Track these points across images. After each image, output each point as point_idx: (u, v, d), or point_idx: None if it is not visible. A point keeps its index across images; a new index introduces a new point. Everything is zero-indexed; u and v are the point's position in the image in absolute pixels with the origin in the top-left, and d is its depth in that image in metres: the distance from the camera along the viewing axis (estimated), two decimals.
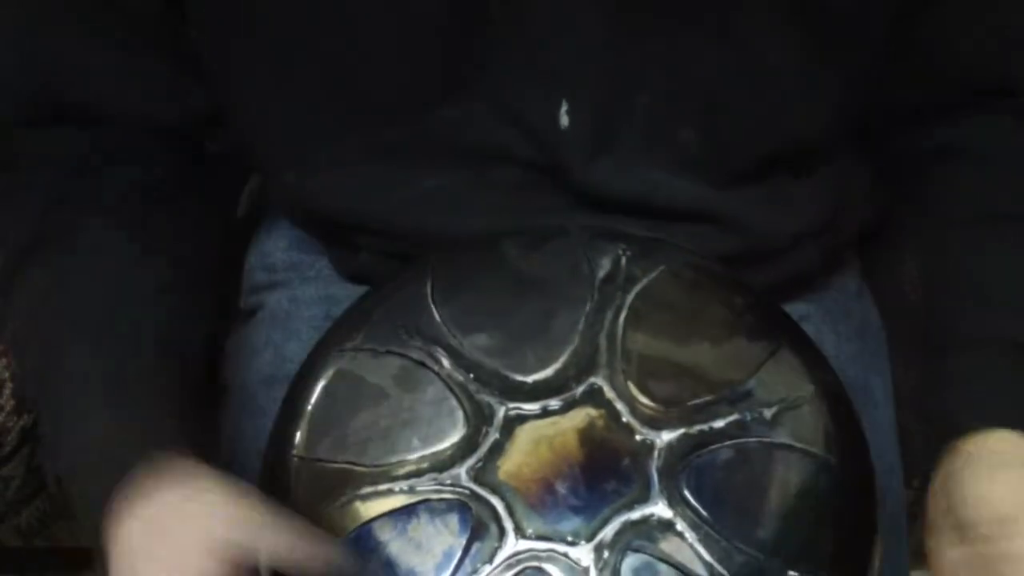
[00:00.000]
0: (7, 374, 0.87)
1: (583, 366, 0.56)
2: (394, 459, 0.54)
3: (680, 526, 0.52)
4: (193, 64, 0.63)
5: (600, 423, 0.54)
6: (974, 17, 0.63)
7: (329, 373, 0.57)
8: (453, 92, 0.61)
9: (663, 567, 0.51)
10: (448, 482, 0.53)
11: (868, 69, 0.63)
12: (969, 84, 0.65)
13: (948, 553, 0.56)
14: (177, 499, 0.50)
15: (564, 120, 0.61)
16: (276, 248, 0.77)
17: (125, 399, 0.56)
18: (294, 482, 0.55)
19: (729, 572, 0.51)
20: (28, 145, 0.65)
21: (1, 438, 0.88)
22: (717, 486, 0.53)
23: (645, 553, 0.51)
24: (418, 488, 0.53)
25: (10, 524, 1.02)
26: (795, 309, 0.67)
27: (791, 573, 0.51)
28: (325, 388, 0.57)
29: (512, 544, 0.51)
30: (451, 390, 0.55)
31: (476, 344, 0.57)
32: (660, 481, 0.53)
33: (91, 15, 0.62)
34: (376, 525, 0.52)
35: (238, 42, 0.61)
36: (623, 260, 0.60)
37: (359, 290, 0.67)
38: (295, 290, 0.75)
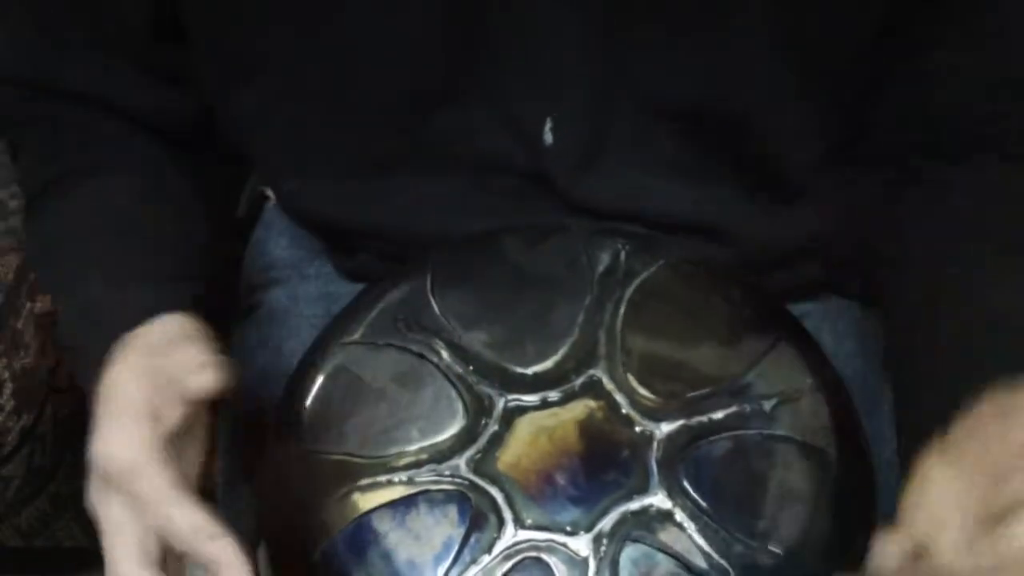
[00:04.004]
0: (7, 374, 0.87)
1: (582, 358, 0.56)
2: (393, 450, 0.54)
3: (679, 516, 0.52)
4: (183, 80, 0.65)
5: (599, 414, 0.55)
6: (965, 62, 0.63)
7: (329, 366, 0.57)
8: (451, 101, 0.62)
9: (662, 557, 0.51)
10: (447, 473, 0.53)
11: (854, 94, 0.63)
12: (959, 130, 0.64)
13: None
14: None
15: (548, 137, 0.62)
16: (276, 246, 0.77)
17: (130, 262, 0.59)
18: (293, 473, 0.55)
19: (727, 562, 0.51)
20: (37, 116, 0.66)
21: (1, 438, 0.88)
22: (716, 477, 0.53)
23: (644, 543, 0.51)
24: (417, 479, 0.53)
25: (10, 524, 1.02)
26: (794, 307, 0.67)
27: (789, 564, 0.51)
28: (325, 380, 0.57)
29: (511, 534, 0.51)
30: (450, 382, 0.56)
31: (476, 337, 0.57)
32: (659, 472, 0.53)
33: (83, 34, 0.63)
34: (375, 516, 0.52)
35: (237, 53, 0.61)
36: (622, 255, 0.60)
37: (359, 288, 0.67)
38: (295, 288, 0.75)
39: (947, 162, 0.63)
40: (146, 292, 0.57)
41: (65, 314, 0.61)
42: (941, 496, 0.48)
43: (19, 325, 0.90)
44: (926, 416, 0.60)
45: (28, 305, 0.91)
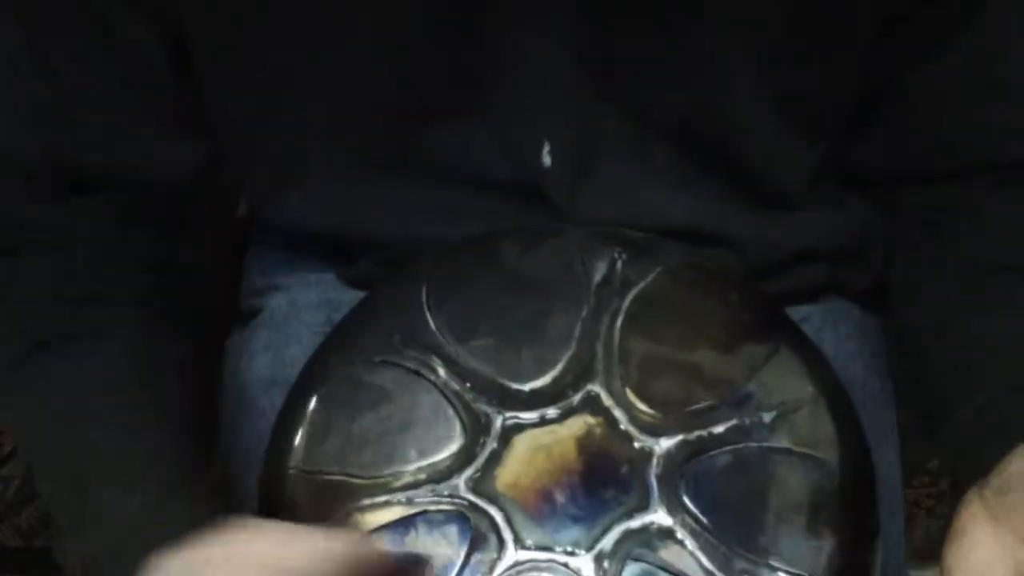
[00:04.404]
0: None
1: (580, 373, 0.56)
2: (391, 471, 0.53)
3: (680, 534, 0.52)
4: (191, 121, 0.63)
5: (598, 431, 0.54)
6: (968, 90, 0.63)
7: (326, 385, 0.57)
8: (446, 117, 0.61)
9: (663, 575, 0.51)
10: (446, 493, 0.53)
11: (842, 110, 0.63)
12: (972, 155, 0.64)
13: None
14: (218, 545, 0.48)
15: (547, 160, 0.62)
16: (276, 251, 0.77)
17: (154, 480, 0.55)
18: (292, 495, 0.54)
19: None
20: (35, 224, 0.63)
21: (1, 438, 0.88)
22: (716, 492, 0.53)
23: (645, 562, 0.51)
24: (416, 500, 0.53)
25: (10, 524, 1.02)
26: (796, 310, 0.67)
27: None
28: (322, 400, 0.56)
29: (512, 555, 0.51)
30: (448, 400, 0.55)
31: (472, 352, 0.56)
32: (659, 488, 0.53)
33: (92, 76, 0.61)
34: (374, 538, 0.52)
35: (232, 62, 0.61)
36: (619, 263, 0.59)
37: (359, 294, 0.67)
38: (295, 294, 0.75)
39: (944, 183, 0.64)
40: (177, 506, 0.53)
41: (73, 515, 0.56)
42: (982, 553, 0.48)
43: None
44: (929, 417, 0.60)
45: None
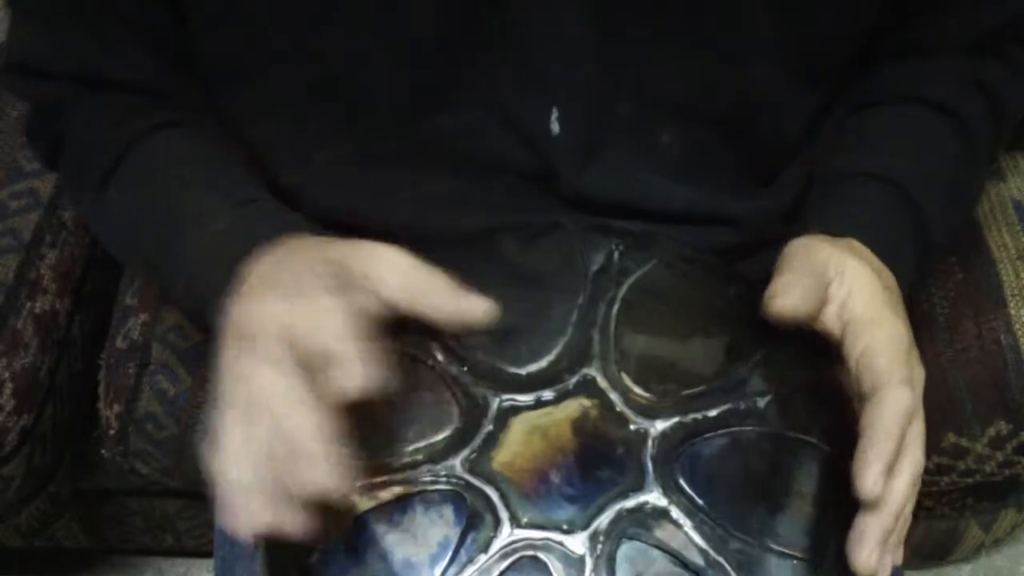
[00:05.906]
0: (7, 374, 0.88)
1: (576, 357, 0.56)
2: (389, 451, 0.54)
3: (675, 514, 0.52)
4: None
5: (594, 413, 0.55)
6: None
7: None
8: (450, 100, 0.62)
9: (658, 554, 0.51)
10: (443, 473, 0.53)
11: (848, 71, 0.64)
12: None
13: None
14: (289, 248, 0.55)
15: (555, 127, 0.62)
16: None
17: (244, 198, 0.62)
18: None
19: (724, 559, 0.51)
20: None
21: (1, 438, 0.89)
22: (711, 474, 0.53)
23: (640, 541, 0.51)
24: (413, 480, 0.53)
25: (10, 524, 1.02)
26: None
27: (786, 560, 0.51)
28: None
29: (507, 533, 0.51)
30: (445, 383, 0.56)
31: (470, 337, 0.57)
32: (654, 469, 0.53)
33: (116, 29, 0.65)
34: (371, 517, 0.52)
35: (236, 52, 0.62)
36: (616, 253, 0.60)
37: None
38: None
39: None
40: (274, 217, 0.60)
41: (185, 254, 0.61)
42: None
43: (19, 325, 0.90)
44: None
45: (28, 305, 0.91)
